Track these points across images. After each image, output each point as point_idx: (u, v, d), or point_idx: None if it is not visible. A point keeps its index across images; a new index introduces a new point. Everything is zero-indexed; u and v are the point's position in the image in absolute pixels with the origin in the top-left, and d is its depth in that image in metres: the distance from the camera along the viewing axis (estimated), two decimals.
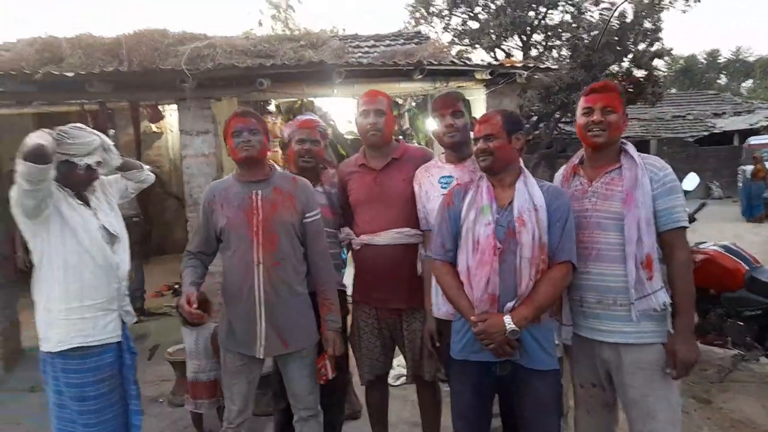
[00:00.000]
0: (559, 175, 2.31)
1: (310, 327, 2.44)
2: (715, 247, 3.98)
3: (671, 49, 13.87)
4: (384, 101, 2.61)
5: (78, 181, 2.28)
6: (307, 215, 2.40)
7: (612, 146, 2.12)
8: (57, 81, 4.05)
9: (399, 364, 3.65)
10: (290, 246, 2.35)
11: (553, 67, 4.92)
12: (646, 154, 2.12)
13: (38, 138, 2.03)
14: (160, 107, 5.80)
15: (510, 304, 1.98)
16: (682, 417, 3.30)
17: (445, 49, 5.34)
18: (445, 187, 2.40)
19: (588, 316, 2.12)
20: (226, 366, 2.41)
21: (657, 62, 13.71)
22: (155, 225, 8.98)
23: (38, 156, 1.99)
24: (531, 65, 4.49)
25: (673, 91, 26.86)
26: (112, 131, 6.54)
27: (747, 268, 3.77)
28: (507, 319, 1.95)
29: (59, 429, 2.27)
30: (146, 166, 2.73)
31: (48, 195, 2.13)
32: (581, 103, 2.14)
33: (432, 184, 2.48)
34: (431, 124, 2.74)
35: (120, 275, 2.34)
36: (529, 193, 2.05)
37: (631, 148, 2.11)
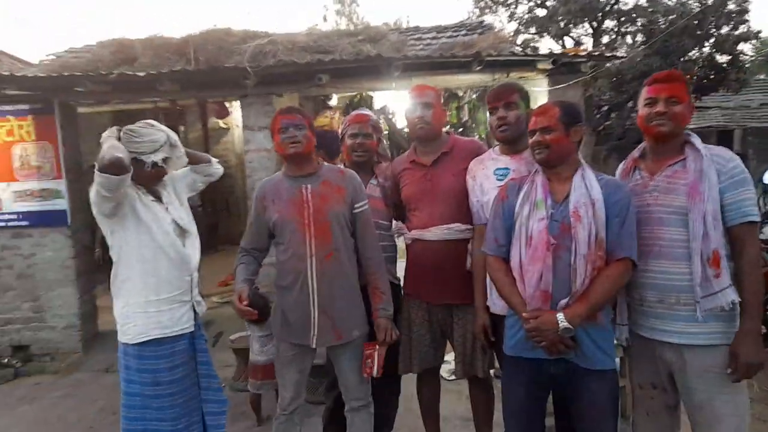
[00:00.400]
0: (619, 170, 2.20)
1: (362, 318, 2.46)
2: None
3: (759, 32, 12.89)
4: (432, 94, 2.59)
5: (146, 178, 2.39)
6: (356, 206, 2.42)
7: (676, 138, 2.00)
8: (129, 80, 4.30)
9: (454, 359, 3.62)
10: (342, 237, 2.38)
11: (618, 54, 4.66)
12: (712, 146, 1.99)
13: (114, 150, 2.14)
14: (226, 104, 6.02)
15: (564, 302, 1.93)
16: (760, 426, 3.11)
17: (510, 38, 5.19)
18: (501, 179, 2.35)
19: (649, 316, 2.02)
20: (280, 356, 2.48)
21: (742, 46, 12.80)
22: (222, 217, 9.35)
23: (116, 168, 2.11)
24: (596, 53, 4.29)
25: (762, 77, 24.93)
26: (181, 128, 6.88)
27: None
28: (560, 316, 1.89)
29: (126, 416, 2.38)
30: (214, 159, 2.80)
31: (124, 198, 2.26)
32: (643, 94, 2.03)
33: (487, 176, 2.43)
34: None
35: (191, 267, 2.45)
36: (586, 187, 1.98)
37: (696, 140, 1.99)
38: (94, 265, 5.27)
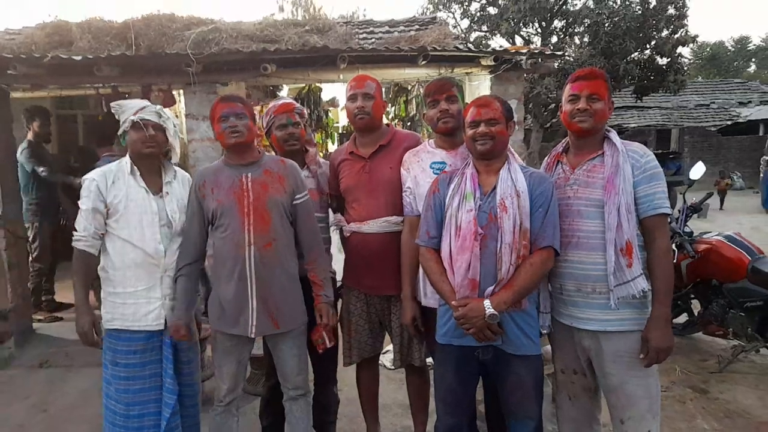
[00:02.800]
0: (543, 164, 2.30)
1: (300, 308, 2.47)
2: (719, 237, 3.93)
3: (696, 36, 13.55)
4: (373, 85, 2.60)
5: (137, 146, 2.37)
6: (297, 196, 2.42)
7: (596, 134, 2.10)
8: (66, 64, 4.13)
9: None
10: (281, 226, 2.37)
11: (557, 53, 4.81)
12: (628, 141, 2.10)
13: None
14: (174, 92, 5.84)
15: (490, 289, 2.00)
16: (679, 406, 3.32)
17: (461, 35, 5.28)
18: (437, 173, 2.38)
19: (567, 304, 2.12)
20: (216, 346, 2.46)
21: (681, 49, 13.42)
22: None
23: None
24: (536, 51, 4.42)
25: (699, 79, 26.24)
26: None
27: (750, 258, 3.71)
28: (486, 303, 1.96)
29: (103, 385, 2.47)
30: None
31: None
32: (567, 90, 2.11)
33: (423, 169, 2.46)
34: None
35: (164, 265, 2.39)
36: (512, 179, 2.06)
37: (614, 136, 2.09)
38: (27, 257, 5.05)
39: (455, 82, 2.56)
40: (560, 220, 2.06)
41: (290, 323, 2.42)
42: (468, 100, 2.53)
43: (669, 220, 2.15)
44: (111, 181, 2.36)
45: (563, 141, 2.25)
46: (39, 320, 5.06)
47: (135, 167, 2.40)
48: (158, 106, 2.44)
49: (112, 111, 2.42)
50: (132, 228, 2.35)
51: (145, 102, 2.44)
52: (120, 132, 2.42)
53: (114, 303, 2.37)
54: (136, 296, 2.35)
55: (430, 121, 2.53)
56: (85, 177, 2.40)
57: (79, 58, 4.08)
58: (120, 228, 2.35)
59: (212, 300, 2.45)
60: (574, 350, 2.17)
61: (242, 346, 2.44)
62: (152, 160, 2.45)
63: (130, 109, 2.38)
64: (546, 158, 2.30)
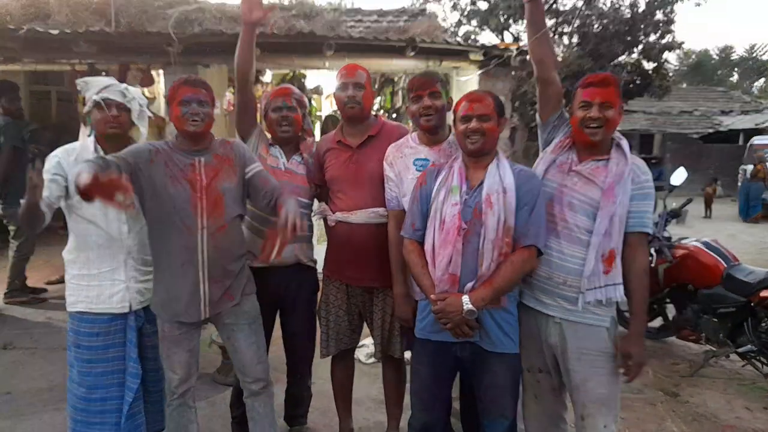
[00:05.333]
0: (554, 142, 2.21)
1: (251, 283, 2.41)
2: (696, 243, 3.96)
3: (683, 43, 13.71)
4: (363, 75, 2.55)
5: (100, 126, 2.31)
6: (247, 170, 2.34)
7: (606, 141, 2.08)
8: (42, 38, 4.00)
9: (372, 343, 3.65)
10: (234, 210, 2.30)
11: None
12: (635, 156, 2.09)
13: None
14: (153, 72, 5.70)
15: (469, 285, 1.97)
16: (650, 409, 3.35)
17: (451, 29, 5.23)
18: (420, 170, 2.34)
19: (535, 288, 2.12)
20: (164, 335, 2.33)
21: (667, 55, 13.58)
22: None
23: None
24: (526, 48, 4.39)
25: (684, 86, 26.62)
26: None
27: (725, 265, 3.75)
28: (465, 299, 1.94)
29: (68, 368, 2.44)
30: None
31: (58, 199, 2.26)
32: (579, 96, 2.06)
33: (406, 166, 2.41)
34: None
35: (128, 246, 2.33)
36: (499, 175, 2.02)
37: (624, 144, 2.08)
38: None
39: (440, 77, 2.50)
40: (551, 206, 2.05)
41: (242, 294, 2.34)
42: (455, 95, 2.48)
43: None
44: (74, 159, 2.28)
45: None
46: (22, 302, 4.99)
47: (99, 147, 2.34)
48: (123, 85, 2.38)
49: (78, 88, 2.36)
50: (95, 208, 2.25)
51: (111, 80, 2.37)
52: (84, 111, 2.36)
53: (78, 285, 2.32)
54: (101, 278, 2.31)
55: (412, 116, 2.48)
56: (50, 155, 2.32)
57: (56, 32, 3.95)
58: (84, 208, 2.27)
59: (156, 291, 2.32)
60: (539, 349, 2.16)
61: (191, 334, 2.33)
62: (117, 140, 2.37)
63: (94, 87, 2.31)
64: (560, 137, 2.20)
